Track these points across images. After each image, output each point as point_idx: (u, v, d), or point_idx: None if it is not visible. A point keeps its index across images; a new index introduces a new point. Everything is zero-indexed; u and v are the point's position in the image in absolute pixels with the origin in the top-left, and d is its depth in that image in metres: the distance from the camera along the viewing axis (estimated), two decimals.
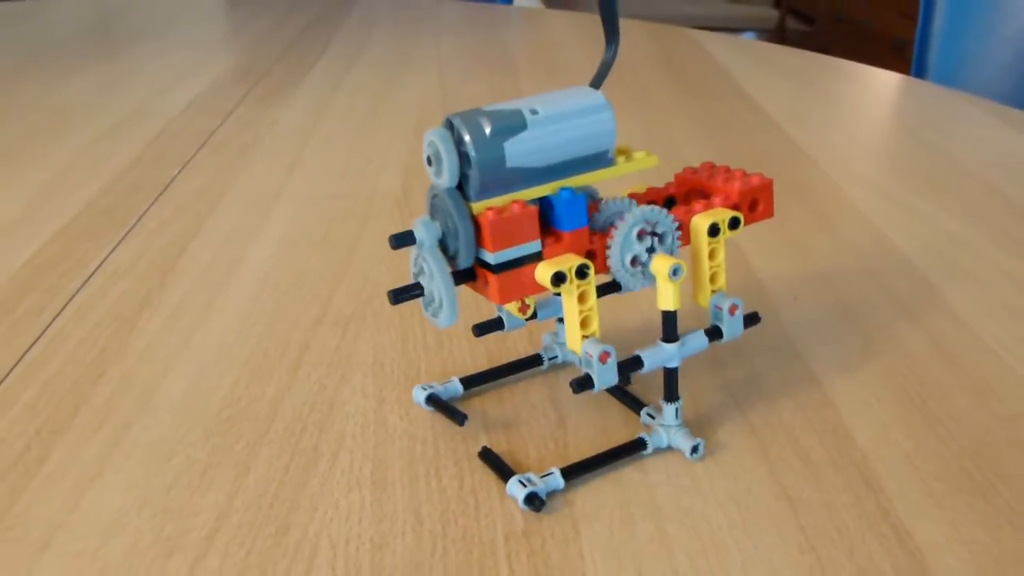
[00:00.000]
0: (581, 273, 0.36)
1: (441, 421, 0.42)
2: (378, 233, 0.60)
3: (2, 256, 0.56)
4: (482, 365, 0.46)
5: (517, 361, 0.46)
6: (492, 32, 1.12)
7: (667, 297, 0.37)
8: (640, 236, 0.37)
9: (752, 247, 0.60)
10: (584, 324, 0.37)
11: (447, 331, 0.49)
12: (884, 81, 0.98)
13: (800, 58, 1.04)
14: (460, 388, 0.44)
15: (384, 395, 0.44)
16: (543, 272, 0.36)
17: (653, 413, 0.42)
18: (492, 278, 0.36)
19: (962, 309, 0.53)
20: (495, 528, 0.37)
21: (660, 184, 0.42)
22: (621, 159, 0.38)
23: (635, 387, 0.45)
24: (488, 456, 0.40)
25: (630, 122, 0.81)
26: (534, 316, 0.42)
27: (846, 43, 2.73)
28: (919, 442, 0.42)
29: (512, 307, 0.42)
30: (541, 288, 0.36)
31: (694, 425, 0.43)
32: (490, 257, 0.35)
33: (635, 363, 0.38)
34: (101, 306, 0.51)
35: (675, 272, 0.36)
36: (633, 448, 0.40)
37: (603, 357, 0.36)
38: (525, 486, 0.37)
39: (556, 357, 0.46)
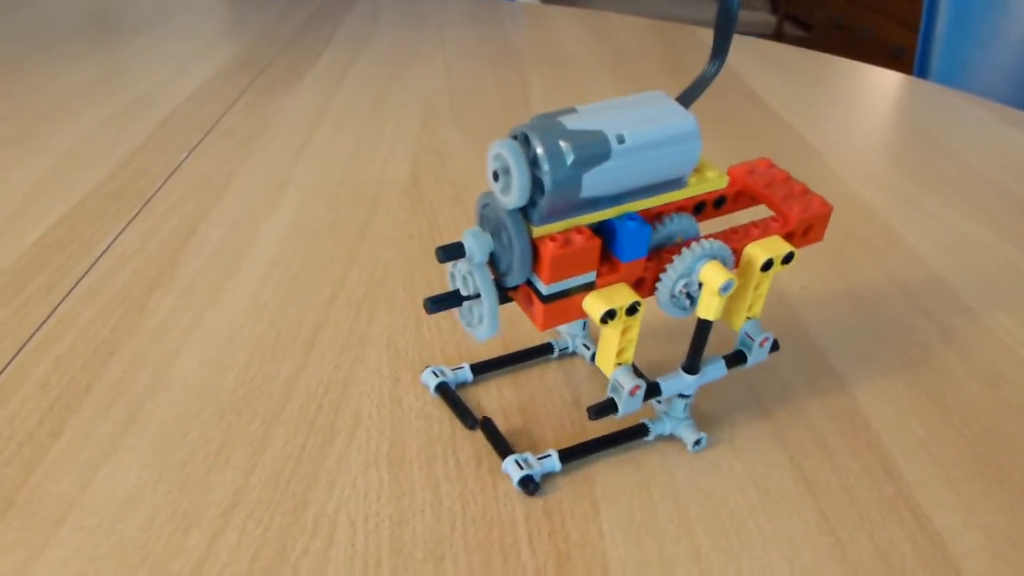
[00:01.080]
0: (631, 310, 0.34)
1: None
2: (388, 219, 0.60)
3: (10, 237, 0.56)
4: (496, 349, 0.46)
5: (528, 349, 0.45)
6: (496, 27, 1.12)
7: (709, 308, 0.35)
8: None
9: None
10: (620, 353, 0.36)
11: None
12: (889, 81, 0.99)
13: (805, 57, 1.05)
14: (470, 374, 0.44)
15: (399, 376, 0.44)
16: (594, 307, 0.34)
17: (661, 400, 0.41)
18: (539, 306, 0.34)
19: (972, 301, 0.53)
20: (514, 507, 0.36)
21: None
22: (693, 179, 0.35)
23: (648, 362, 0.44)
24: (488, 428, 0.40)
25: None
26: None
27: (844, 50, 2.74)
28: (934, 430, 0.42)
29: None
30: (585, 315, 0.34)
31: (710, 408, 0.43)
32: (543, 288, 0.33)
33: (653, 391, 0.37)
34: (110, 287, 0.51)
35: (725, 288, 0.34)
36: (635, 434, 0.40)
37: (633, 391, 0.36)
38: (521, 467, 0.37)
39: (567, 347, 0.46)
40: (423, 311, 0.49)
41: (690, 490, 0.38)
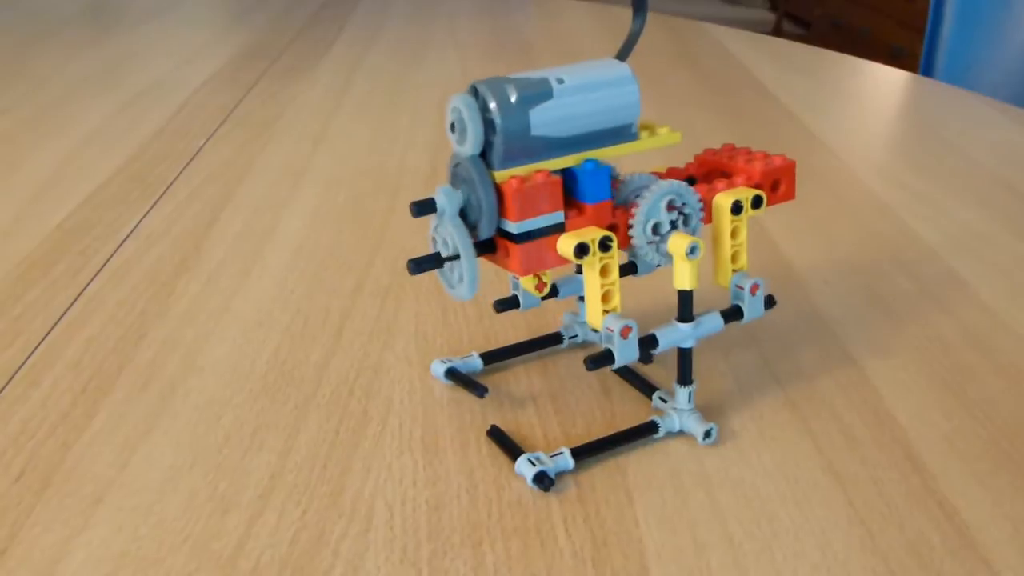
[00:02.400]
0: (604, 245, 0.35)
1: (497, 387, 0.43)
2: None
3: (35, 218, 0.56)
4: (523, 337, 0.47)
5: (536, 339, 0.45)
6: (507, 18, 1.12)
7: (684, 276, 0.36)
8: (669, 208, 0.37)
9: (779, 232, 0.60)
10: (605, 298, 0.36)
11: (488, 303, 0.50)
12: (896, 79, 0.99)
13: (813, 54, 1.05)
14: (479, 363, 0.44)
15: (428, 362, 0.44)
16: (565, 244, 0.35)
17: (665, 397, 0.41)
18: (514, 248, 0.35)
19: (988, 297, 0.54)
20: (548, 494, 0.37)
21: (680, 165, 0.42)
22: (645, 134, 0.38)
23: (654, 369, 0.45)
24: (496, 435, 0.40)
25: (647, 110, 0.81)
26: (553, 295, 0.42)
27: (842, 49, 2.75)
28: (958, 423, 0.43)
29: (528, 285, 0.41)
30: (563, 260, 0.35)
31: (735, 397, 0.43)
32: (512, 227, 0.34)
33: (649, 342, 0.37)
34: (137, 270, 0.51)
35: (692, 251, 0.35)
36: (645, 431, 0.40)
37: (624, 332, 0.36)
38: (534, 465, 0.37)
39: (576, 336, 0.46)
40: (449, 300, 0.50)
41: (720, 479, 0.38)
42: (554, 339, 0.46)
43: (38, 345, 0.44)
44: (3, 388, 0.41)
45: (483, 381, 0.43)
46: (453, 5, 1.18)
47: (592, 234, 0.35)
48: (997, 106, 0.91)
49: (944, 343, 0.49)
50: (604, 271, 0.35)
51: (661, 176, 0.40)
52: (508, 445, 0.39)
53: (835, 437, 0.41)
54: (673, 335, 0.38)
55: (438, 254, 0.36)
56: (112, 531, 0.34)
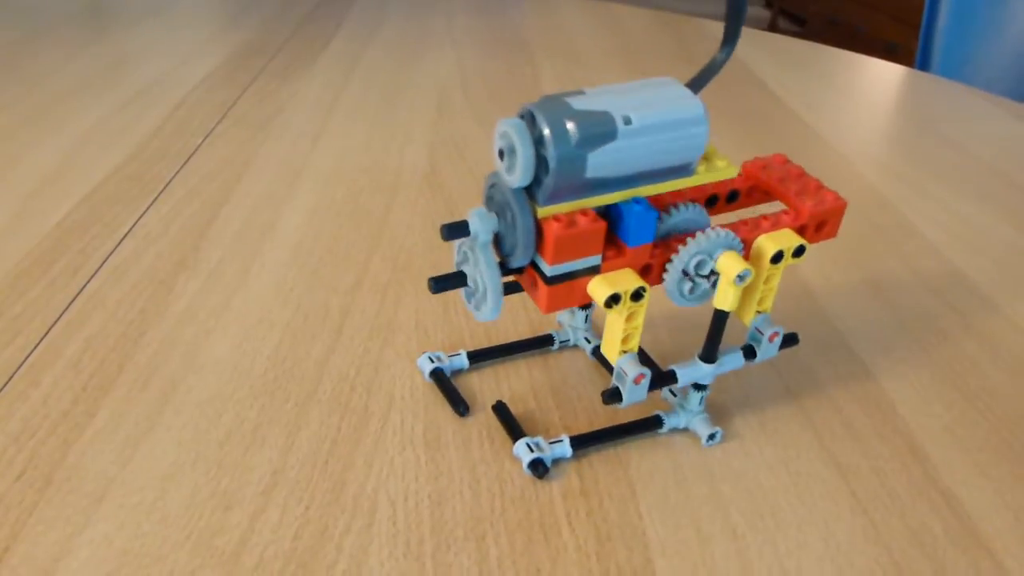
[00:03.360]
0: (636, 296, 0.33)
1: (490, 384, 0.43)
2: (408, 205, 0.60)
3: (33, 217, 0.56)
4: (524, 334, 0.47)
5: (528, 340, 0.45)
6: (502, 16, 1.12)
7: (726, 298, 0.35)
8: (700, 264, 0.35)
9: None
10: (625, 340, 0.35)
11: None
12: (893, 74, 0.99)
13: (810, 49, 1.05)
14: (466, 362, 0.43)
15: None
16: (599, 290, 0.33)
17: (675, 391, 0.41)
18: (543, 288, 0.33)
19: (988, 289, 0.54)
20: (551, 487, 0.37)
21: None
22: (701, 167, 0.35)
23: (662, 354, 0.45)
24: (501, 411, 0.40)
25: None
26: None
27: (838, 45, 2.75)
28: (958, 415, 0.43)
29: None
30: (590, 299, 0.34)
31: (735, 391, 0.43)
32: (547, 269, 0.33)
33: (669, 378, 0.37)
34: (136, 268, 0.51)
35: (741, 278, 0.34)
36: (649, 425, 0.40)
37: (638, 379, 0.35)
38: (532, 451, 0.37)
39: (568, 340, 0.46)
40: (449, 296, 0.50)
41: (723, 472, 0.38)
42: (546, 340, 0.45)
43: (38, 344, 0.44)
44: (3, 387, 0.41)
45: (480, 377, 0.43)
46: (449, 2, 1.17)
47: (626, 284, 0.33)
48: (993, 100, 0.91)
49: (944, 335, 0.49)
50: (630, 317, 0.34)
51: (702, 190, 0.37)
52: (511, 424, 0.39)
53: (837, 429, 0.41)
54: (694, 374, 0.38)
55: (463, 274, 0.35)
56: (114, 528, 0.34)
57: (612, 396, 0.36)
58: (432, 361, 0.43)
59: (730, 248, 0.35)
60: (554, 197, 0.32)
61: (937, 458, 0.40)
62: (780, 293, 0.52)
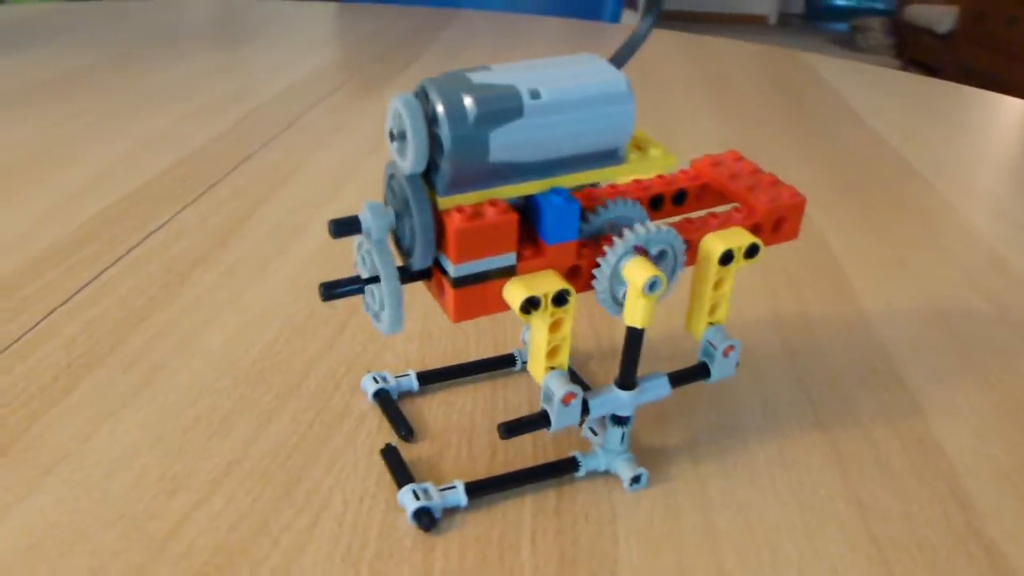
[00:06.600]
0: (560, 300, 0.29)
1: (481, 392, 0.39)
2: None
3: (73, 209, 0.57)
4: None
5: (486, 360, 0.41)
6: (589, 46, 1.10)
7: (636, 312, 0.29)
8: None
9: (846, 256, 0.55)
10: (552, 354, 0.30)
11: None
12: (1006, 106, 0.91)
13: (915, 82, 0.98)
14: (415, 383, 0.39)
15: (427, 364, 0.42)
16: (513, 294, 0.29)
17: (596, 428, 0.35)
18: (450, 292, 0.29)
19: None
20: (523, 503, 0.33)
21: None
22: (634, 156, 0.31)
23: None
24: (390, 456, 0.35)
25: (726, 133, 0.77)
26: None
27: None
28: (1019, 460, 0.36)
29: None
30: (505, 307, 0.29)
31: (757, 412, 0.38)
32: (451, 268, 0.28)
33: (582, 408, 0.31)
34: (158, 260, 0.50)
35: (651, 286, 0.28)
36: (562, 468, 0.34)
37: (567, 399, 0.30)
38: (418, 498, 0.32)
39: None
40: None
41: (723, 500, 0.34)
42: (507, 361, 0.41)
43: (39, 322, 0.44)
44: None
45: (432, 394, 0.39)
46: (533, 33, 1.17)
47: (546, 286, 0.29)
48: None
49: (1017, 373, 0.43)
50: (555, 325, 0.30)
51: (646, 187, 0.33)
52: (398, 470, 0.34)
53: (868, 465, 0.36)
54: (609, 404, 0.32)
55: (357, 277, 0.30)
56: (52, 502, 0.32)
57: (527, 424, 0.30)
58: (376, 382, 0.38)
59: (667, 244, 0.30)
60: (456, 185, 0.28)
61: (985, 507, 0.34)
62: (829, 316, 0.46)
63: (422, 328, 0.44)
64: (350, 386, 0.40)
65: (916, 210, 0.62)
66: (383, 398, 0.38)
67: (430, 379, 0.40)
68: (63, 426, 0.36)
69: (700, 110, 0.83)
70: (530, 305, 0.28)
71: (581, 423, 0.32)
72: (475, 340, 0.44)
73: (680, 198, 0.34)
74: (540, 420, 0.31)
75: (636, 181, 0.34)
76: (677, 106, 0.83)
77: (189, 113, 0.76)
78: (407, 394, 0.39)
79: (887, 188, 0.66)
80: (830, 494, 0.34)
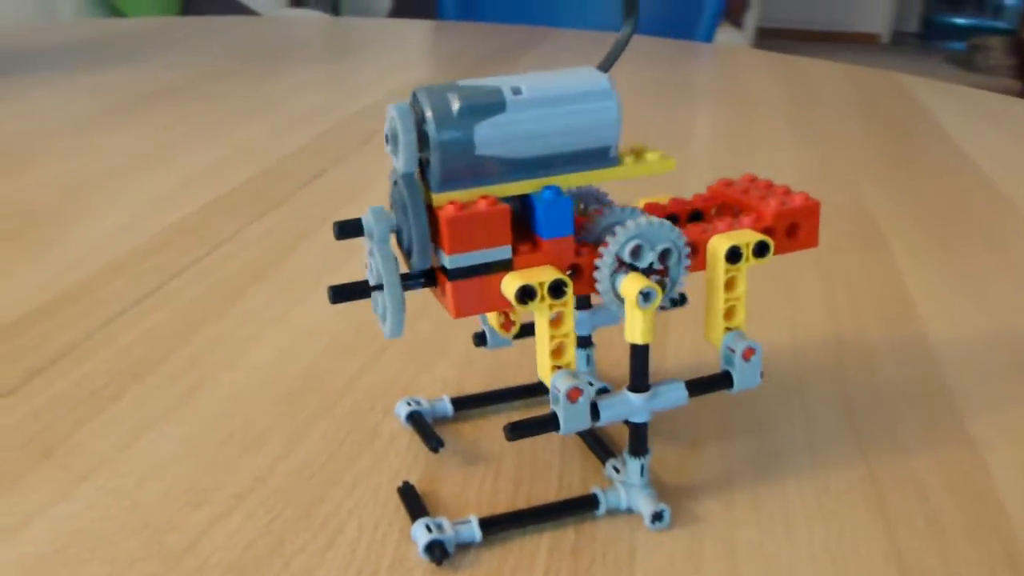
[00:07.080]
0: (556, 290, 0.29)
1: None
2: None
3: (153, 218, 0.59)
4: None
5: (522, 387, 0.40)
6: (679, 67, 1.08)
7: (635, 328, 0.30)
8: (637, 253, 0.30)
9: (920, 289, 0.52)
10: (557, 353, 0.30)
11: None
12: None
13: (1020, 107, 0.93)
14: (449, 408, 0.38)
15: (464, 388, 0.41)
16: (508, 284, 0.29)
17: (619, 466, 0.34)
18: (448, 285, 0.30)
19: None
20: (539, 540, 0.32)
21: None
22: (629, 159, 0.32)
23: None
24: (407, 493, 0.34)
25: (805, 157, 0.74)
26: (526, 334, 0.35)
27: None
28: None
29: (494, 322, 0.35)
30: (507, 304, 0.30)
31: (801, 455, 0.36)
32: (446, 260, 0.29)
33: (592, 412, 0.31)
34: (219, 272, 0.52)
35: (646, 297, 0.29)
36: (582, 505, 0.33)
37: (572, 394, 0.30)
38: (430, 531, 0.31)
39: None
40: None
41: (750, 551, 0.32)
42: (543, 389, 0.40)
43: (98, 329, 0.45)
44: (48, 367, 0.42)
45: (465, 420, 0.39)
46: (629, 54, 1.15)
47: (542, 276, 0.29)
48: None
49: None
50: (557, 320, 0.30)
51: (658, 209, 0.34)
52: (413, 505, 0.33)
53: (915, 521, 0.33)
54: (620, 408, 0.31)
55: (365, 283, 0.31)
56: (83, 508, 0.33)
57: (534, 426, 0.30)
58: (410, 405, 0.38)
59: (673, 245, 0.30)
60: (448, 181, 0.29)
61: None
62: (885, 338, 0.44)
63: (464, 352, 0.44)
64: (384, 408, 0.40)
65: (1003, 242, 0.58)
66: (416, 419, 0.38)
67: (464, 404, 0.39)
68: (106, 433, 0.37)
69: (781, 132, 0.80)
70: (525, 295, 0.29)
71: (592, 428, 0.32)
72: (516, 367, 0.43)
73: (695, 218, 0.34)
74: (549, 422, 0.31)
75: (650, 204, 0.34)
76: (757, 130, 0.81)
77: (277, 126, 0.79)
78: (441, 419, 0.39)
79: (973, 217, 0.62)
80: (868, 551, 0.32)
